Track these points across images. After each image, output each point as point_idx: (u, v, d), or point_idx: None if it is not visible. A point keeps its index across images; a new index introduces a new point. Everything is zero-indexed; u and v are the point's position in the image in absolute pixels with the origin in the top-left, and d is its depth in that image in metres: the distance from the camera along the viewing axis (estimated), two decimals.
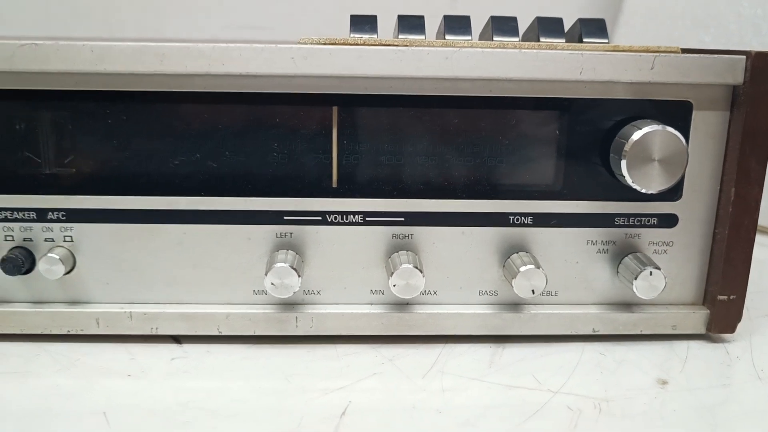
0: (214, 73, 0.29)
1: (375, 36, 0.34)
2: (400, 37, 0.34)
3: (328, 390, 0.28)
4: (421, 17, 0.35)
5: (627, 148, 0.29)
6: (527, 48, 0.30)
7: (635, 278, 0.30)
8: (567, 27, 0.35)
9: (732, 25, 0.54)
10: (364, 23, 0.34)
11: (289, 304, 0.31)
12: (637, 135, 0.29)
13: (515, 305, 0.32)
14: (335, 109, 0.30)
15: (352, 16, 0.35)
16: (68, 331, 0.31)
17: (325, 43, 0.30)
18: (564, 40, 0.34)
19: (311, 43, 0.30)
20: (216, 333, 0.31)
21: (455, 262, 0.32)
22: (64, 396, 0.27)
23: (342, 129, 0.30)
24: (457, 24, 0.35)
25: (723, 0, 0.55)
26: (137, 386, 0.28)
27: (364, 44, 0.30)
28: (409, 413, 0.26)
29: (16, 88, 0.29)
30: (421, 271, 0.30)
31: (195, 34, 0.68)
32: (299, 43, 0.30)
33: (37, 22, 0.68)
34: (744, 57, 0.30)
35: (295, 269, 0.29)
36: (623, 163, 0.29)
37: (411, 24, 0.34)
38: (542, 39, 0.34)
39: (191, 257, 0.31)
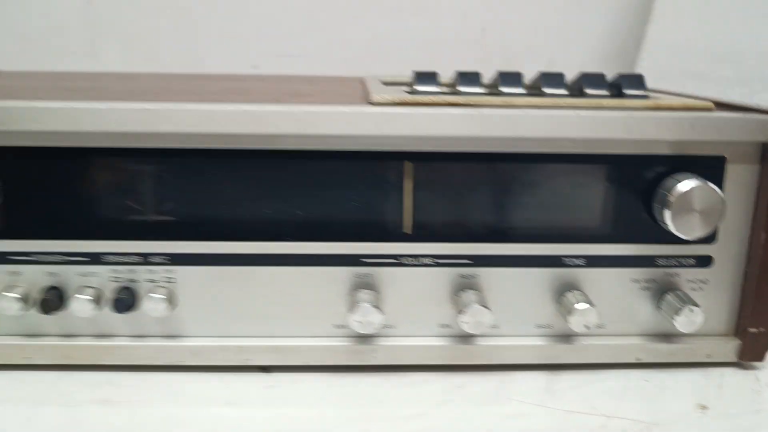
0: (303, 133, 0.32)
1: (435, 87, 0.38)
2: (458, 88, 0.38)
3: (410, 416, 0.32)
4: (477, 74, 0.38)
5: (671, 199, 0.33)
6: (583, 108, 0.33)
7: (676, 314, 0.34)
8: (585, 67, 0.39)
9: (751, 61, 0.58)
10: (428, 79, 0.38)
11: (367, 337, 0.35)
12: (680, 189, 0.32)
13: (568, 337, 0.36)
14: (407, 164, 0.34)
15: (415, 72, 0.39)
16: (168, 363, 0.35)
17: (399, 103, 0.33)
18: (608, 93, 0.38)
19: (386, 104, 0.33)
20: (302, 363, 0.35)
21: (515, 299, 0.35)
22: (179, 423, 0.31)
23: (414, 181, 0.34)
24: (511, 79, 0.38)
25: (742, 36, 0.58)
26: (240, 413, 0.32)
27: (433, 104, 0.33)
28: None
29: (127, 147, 0.33)
30: (489, 309, 0.33)
31: (235, 62, 0.72)
32: (375, 104, 0.34)
33: (81, 48, 0.72)
34: None
35: (377, 308, 0.33)
36: (667, 213, 0.33)
37: (470, 79, 0.38)
38: (587, 90, 0.38)
39: (280, 295, 0.35)
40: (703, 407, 0.33)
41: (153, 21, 0.71)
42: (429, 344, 0.35)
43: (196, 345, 0.35)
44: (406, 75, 0.47)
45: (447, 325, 0.35)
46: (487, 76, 0.40)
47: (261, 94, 0.41)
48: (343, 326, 0.35)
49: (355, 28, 0.73)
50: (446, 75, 0.60)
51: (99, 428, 0.30)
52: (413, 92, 0.37)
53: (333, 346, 0.35)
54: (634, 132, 0.33)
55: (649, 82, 0.40)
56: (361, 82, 0.52)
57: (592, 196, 0.35)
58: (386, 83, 0.47)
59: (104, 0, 0.70)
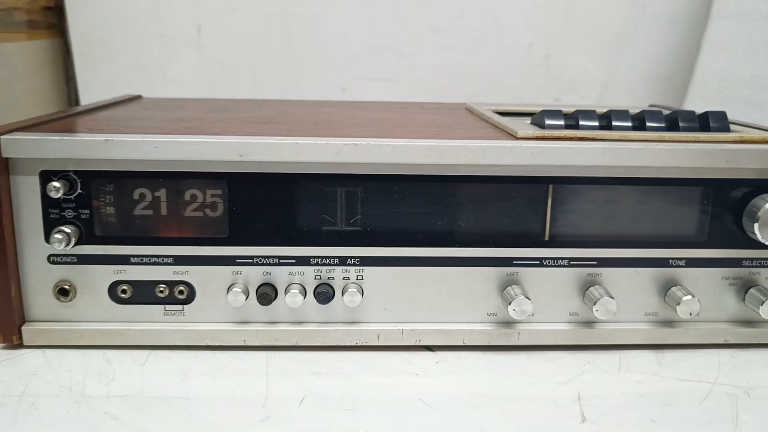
0: (473, 163, 0.41)
1: (561, 121, 0.46)
2: (580, 123, 0.46)
3: (560, 382, 0.40)
4: (594, 110, 0.47)
5: (760, 214, 0.42)
6: (691, 143, 0.42)
7: (761, 305, 0.43)
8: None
9: None
10: (555, 115, 0.47)
11: (512, 323, 0.44)
12: (765, 206, 0.42)
13: (671, 322, 0.45)
14: (551, 186, 0.43)
15: (544, 111, 0.47)
16: (356, 343, 0.44)
17: (544, 138, 0.42)
18: (698, 126, 0.47)
19: (533, 138, 0.42)
20: (461, 343, 0.44)
21: (631, 292, 0.44)
22: (388, 388, 0.40)
23: (554, 199, 0.43)
24: (620, 115, 0.47)
25: None
26: (427, 381, 0.41)
27: (567, 138, 0.42)
28: (624, 397, 0.39)
29: (334, 173, 0.42)
30: (613, 298, 0.42)
31: (329, 86, 0.81)
32: (521, 138, 0.43)
33: (193, 73, 0.81)
34: None
35: (529, 299, 0.42)
36: (756, 225, 0.42)
37: (587, 115, 0.47)
38: (681, 124, 0.47)
39: (447, 290, 0.44)
40: None
41: (257, 47, 0.80)
42: (561, 328, 0.44)
43: (379, 329, 0.44)
44: (504, 104, 0.55)
45: (575, 314, 0.44)
46: (564, 100, 0.49)
47: (414, 126, 0.50)
48: (494, 314, 0.44)
49: (433, 56, 0.82)
50: (515, 94, 0.69)
51: (327, 393, 0.39)
52: (545, 126, 0.46)
53: (486, 330, 0.44)
54: (731, 161, 0.42)
55: (699, 108, 0.49)
56: (468, 109, 0.61)
57: (693, 211, 0.44)
58: (499, 112, 0.56)
59: (213, 30, 0.79)
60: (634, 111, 0.49)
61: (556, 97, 0.83)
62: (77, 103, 0.82)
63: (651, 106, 0.69)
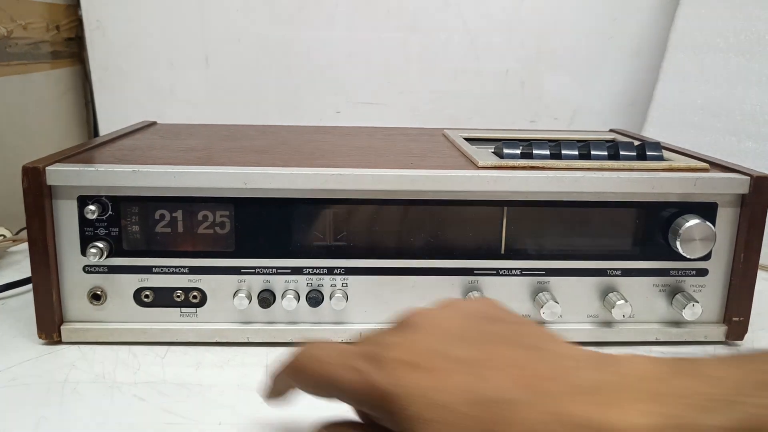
0: (437, 189, 0.49)
1: (516, 150, 0.54)
2: (534, 152, 0.54)
3: None
4: (546, 141, 0.55)
5: (681, 232, 0.50)
6: (625, 171, 0.50)
7: (684, 308, 0.51)
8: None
9: (738, 116, 0.75)
10: (514, 146, 0.55)
11: None
12: (686, 225, 0.49)
13: (610, 323, 0.53)
14: (505, 208, 0.51)
15: (503, 142, 0.55)
16: (342, 340, 0.52)
17: (501, 167, 0.50)
18: (635, 155, 0.55)
19: (491, 168, 0.50)
20: None
21: (575, 297, 0.52)
22: None
23: (509, 219, 0.51)
24: (569, 145, 0.55)
25: (732, 99, 0.76)
26: None
27: (522, 167, 0.50)
28: None
29: (323, 198, 0.50)
30: (558, 303, 0.50)
31: (325, 109, 0.89)
32: (480, 168, 0.51)
33: (200, 99, 0.89)
34: (749, 177, 0.50)
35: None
36: (678, 241, 0.50)
37: (539, 145, 0.55)
38: (622, 153, 0.55)
39: (419, 295, 0.52)
40: None
41: (259, 74, 0.88)
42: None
43: (361, 328, 0.52)
44: (477, 129, 0.63)
45: (527, 315, 0.52)
46: (538, 122, 0.57)
47: (393, 155, 0.58)
48: None
49: (419, 82, 0.90)
50: (494, 117, 0.77)
51: None
52: (503, 156, 0.54)
53: None
54: (656, 188, 0.50)
55: (657, 131, 0.57)
56: (444, 135, 0.70)
57: (627, 229, 0.52)
58: (467, 138, 0.64)
59: (219, 59, 0.88)
60: (588, 138, 0.57)
61: (532, 119, 0.91)
62: (95, 124, 0.90)
63: (611, 130, 0.77)
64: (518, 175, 0.50)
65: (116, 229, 0.50)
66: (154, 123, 0.74)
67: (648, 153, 0.55)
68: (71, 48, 0.86)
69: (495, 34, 0.88)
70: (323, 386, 0.32)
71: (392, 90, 0.90)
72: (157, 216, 0.50)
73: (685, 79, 0.81)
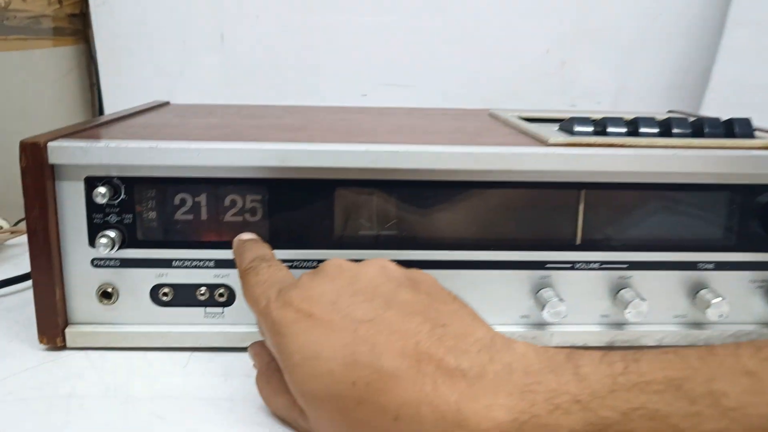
0: (504, 169, 0.42)
1: (590, 129, 0.47)
2: (608, 129, 0.47)
3: None
4: (621, 118, 0.48)
5: None
6: (718, 149, 0.43)
7: None
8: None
9: None
10: (586, 123, 0.47)
11: (545, 325, 0.45)
12: None
13: (700, 324, 0.46)
14: (583, 191, 0.44)
15: (573, 118, 0.48)
16: None
17: (575, 145, 0.43)
18: (723, 133, 0.48)
19: (564, 145, 0.43)
20: None
21: (660, 295, 0.45)
22: None
23: (586, 204, 0.44)
24: (647, 122, 0.48)
25: None
26: None
27: (603, 145, 0.43)
28: None
29: (371, 179, 0.43)
30: (645, 300, 0.43)
31: (349, 92, 0.82)
32: (552, 145, 0.44)
33: (216, 80, 0.82)
34: None
35: (563, 301, 0.43)
36: None
37: (614, 122, 0.48)
38: (706, 131, 0.48)
39: (481, 292, 0.44)
40: None
41: (278, 54, 0.81)
42: (591, 330, 0.45)
43: None
44: (524, 110, 0.56)
45: (606, 315, 0.45)
46: (579, 106, 0.50)
47: (443, 133, 0.51)
48: (527, 316, 0.45)
49: (449, 63, 0.83)
50: (530, 101, 0.70)
51: None
52: (573, 133, 0.47)
53: (519, 332, 0.45)
54: (756, 168, 0.43)
55: (715, 113, 0.50)
56: (492, 115, 0.63)
57: (721, 216, 0.45)
58: (525, 119, 0.57)
59: (235, 37, 0.81)
60: (659, 117, 0.50)
61: (572, 104, 0.84)
62: (101, 108, 0.83)
63: (670, 112, 0.70)
64: (600, 153, 0.42)
65: (130, 216, 0.43)
66: (166, 103, 0.67)
67: (737, 130, 0.48)
68: (75, 25, 0.79)
69: (533, 10, 0.81)
70: (249, 305, 0.36)
71: (421, 71, 0.83)
72: (177, 201, 0.43)
73: (745, 58, 0.74)
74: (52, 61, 0.75)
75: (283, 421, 0.36)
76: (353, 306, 0.31)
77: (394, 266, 0.36)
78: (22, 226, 0.64)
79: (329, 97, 0.81)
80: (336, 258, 0.36)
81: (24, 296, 0.52)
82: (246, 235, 0.42)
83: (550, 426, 0.26)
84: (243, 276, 0.37)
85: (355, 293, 0.32)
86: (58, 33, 0.75)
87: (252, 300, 0.35)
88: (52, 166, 0.41)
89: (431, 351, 0.29)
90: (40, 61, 0.72)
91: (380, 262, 0.35)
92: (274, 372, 0.35)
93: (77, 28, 0.79)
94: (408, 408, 0.27)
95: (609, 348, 0.44)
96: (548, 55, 0.83)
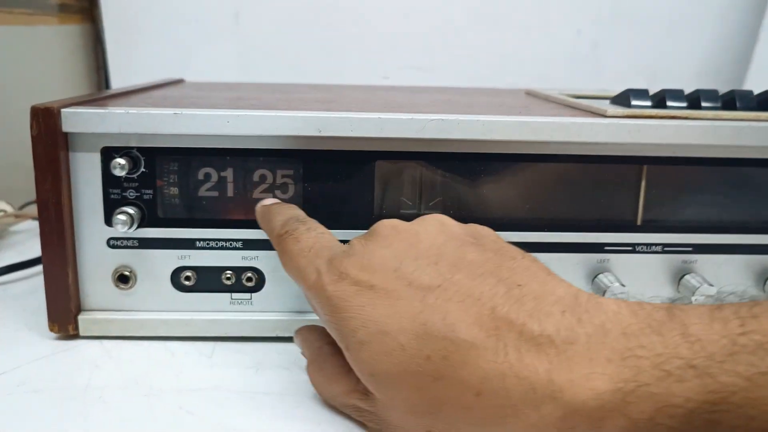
0: (564, 141, 0.38)
1: (648, 103, 0.44)
2: (667, 103, 0.44)
3: None
4: (681, 90, 0.44)
5: None
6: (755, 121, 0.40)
7: None
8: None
9: None
10: (643, 96, 0.44)
11: None
12: None
13: None
14: (645, 167, 0.40)
15: (629, 90, 0.45)
16: None
17: (635, 116, 0.40)
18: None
19: (624, 117, 0.40)
20: None
21: (726, 280, 0.41)
22: None
23: (648, 181, 0.40)
24: (709, 95, 0.44)
25: None
26: None
27: (665, 117, 0.40)
28: None
29: (415, 151, 0.39)
30: (713, 286, 0.40)
31: (371, 74, 0.78)
32: (611, 116, 0.40)
33: (231, 61, 0.78)
34: None
35: (624, 286, 0.39)
36: None
37: (675, 95, 0.44)
38: (738, 104, 0.44)
39: None
40: None
41: (297, 35, 0.77)
42: None
43: None
44: (569, 89, 0.52)
45: (668, 300, 0.42)
46: (612, 89, 0.46)
47: (486, 107, 0.47)
48: None
49: (475, 45, 0.79)
50: (561, 84, 0.65)
51: None
52: (631, 105, 0.43)
53: None
54: None
55: None
56: (531, 93, 0.59)
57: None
58: (574, 96, 0.53)
59: (251, 16, 0.77)
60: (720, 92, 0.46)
61: (604, 87, 0.80)
62: (108, 88, 0.79)
63: None
64: (663, 124, 0.39)
65: (150, 192, 0.39)
66: (181, 80, 0.63)
67: None
68: (81, 2, 0.75)
69: None
70: (294, 278, 0.32)
71: (445, 54, 0.79)
72: (202, 175, 0.39)
73: None
74: (57, 39, 0.70)
75: (339, 410, 0.32)
76: (418, 271, 0.28)
77: (452, 221, 0.32)
78: (27, 210, 0.60)
79: (350, 80, 0.77)
80: (387, 219, 0.32)
81: (32, 282, 0.48)
82: (269, 200, 0.38)
83: (661, 395, 0.22)
84: (279, 243, 0.33)
85: (417, 257, 0.28)
86: (63, 10, 0.71)
87: (297, 272, 0.31)
88: (66, 135, 0.37)
89: (511, 316, 0.25)
90: (43, 38, 0.68)
91: (437, 217, 0.32)
92: (327, 357, 0.32)
93: (83, 5, 0.75)
94: (491, 382, 0.24)
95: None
96: (579, 37, 0.79)
